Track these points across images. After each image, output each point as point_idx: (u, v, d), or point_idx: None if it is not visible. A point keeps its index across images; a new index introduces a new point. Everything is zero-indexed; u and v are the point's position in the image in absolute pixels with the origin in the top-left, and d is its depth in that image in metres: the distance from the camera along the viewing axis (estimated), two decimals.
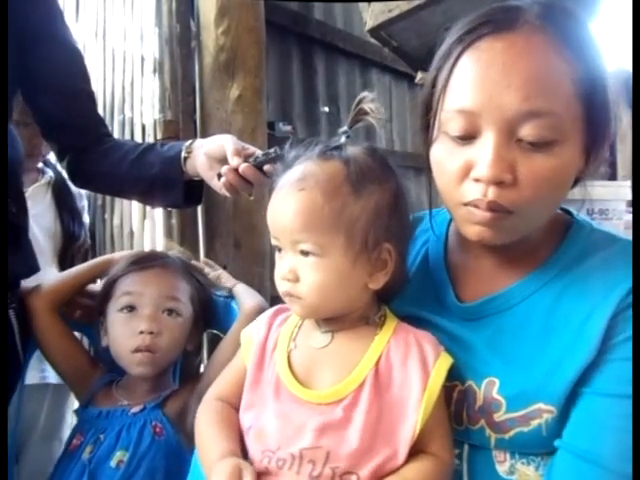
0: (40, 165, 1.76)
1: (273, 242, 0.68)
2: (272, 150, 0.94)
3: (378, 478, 0.61)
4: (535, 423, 0.62)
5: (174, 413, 0.98)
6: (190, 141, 1.10)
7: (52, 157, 1.73)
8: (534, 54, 0.58)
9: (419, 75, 2.02)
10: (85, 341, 1.19)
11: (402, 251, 0.69)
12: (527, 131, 0.58)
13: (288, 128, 2.39)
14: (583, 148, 0.62)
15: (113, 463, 0.91)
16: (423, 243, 0.79)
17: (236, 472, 0.59)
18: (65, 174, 1.43)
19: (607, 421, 0.60)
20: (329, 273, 0.64)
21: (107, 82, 1.95)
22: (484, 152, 0.59)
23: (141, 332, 0.96)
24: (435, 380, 0.63)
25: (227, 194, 1.01)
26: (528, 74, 0.58)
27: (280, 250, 0.67)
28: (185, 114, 1.60)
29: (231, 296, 1.11)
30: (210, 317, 1.09)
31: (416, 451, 0.63)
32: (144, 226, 1.76)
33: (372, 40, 2.03)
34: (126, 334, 0.97)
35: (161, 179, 1.10)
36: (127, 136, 1.80)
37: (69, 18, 1.69)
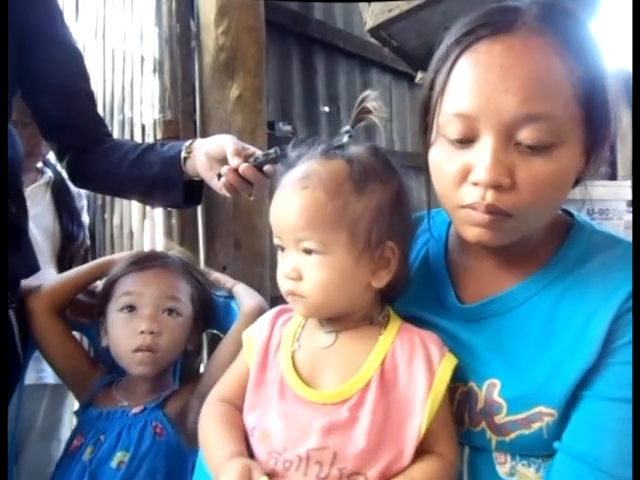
0: (39, 165, 1.75)
1: (276, 241, 0.68)
2: (272, 150, 0.94)
3: (385, 479, 0.61)
4: (536, 426, 0.62)
5: (174, 413, 0.98)
6: (190, 141, 1.10)
7: (51, 157, 1.73)
8: (532, 57, 0.58)
9: (419, 75, 2.02)
10: (85, 341, 1.19)
11: (405, 250, 0.69)
12: (525, 135, 0.58)
13: (288, 128, 2.39)
14: (583, 149, 0.62)
15: (114, 464, 0.91)
16: (423, 243, 0.79)
17: (246, 472, 0.59)
18: (65, 174, 1.43)
19: (607, 424, 0.59)
20: (333, 271, 0.64)
21: (107, 82, 1.95)
22: (482, 156, 0.59)
23: (142, 332, 0.96)
24: (440, 380, 0.63)
25: (227, 194, 1.01)
26: (526, 77, 0.57)
27: (283, 249, 0.67)
28: (185, 114, 1.60)
29: (231, 296, 1.10)
30: (210, 317, 1.09)
31: (421, 451, 0.63)
32: (144, 226, 1.76)
33: (372, 40, 2.02)
34: (126, 334, 0.97)
35: (161, 179, 1.10)
36: (127, 136, 1.80)
37: (69, 18, 1.69)
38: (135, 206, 1.79)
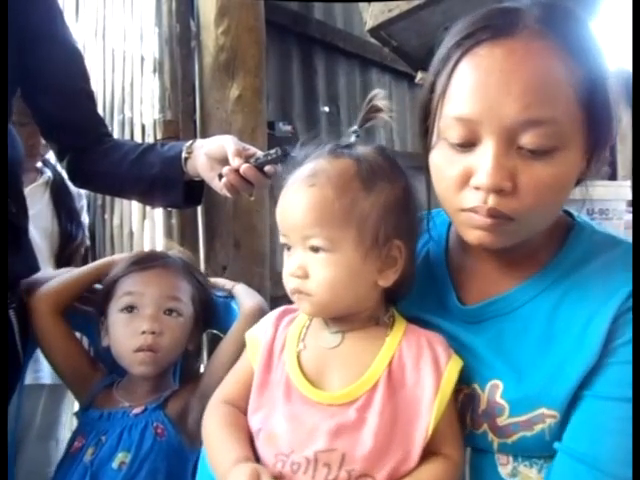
0: (39, 165, 1.76)
1: (282, 240, 0.68)
2: (273, 151, 0.94)
3: None
4: (538, 428, 0.62)
5: (175, 413, 0.98)
6: (191, 141, 1.10)
7: (50, 157, 1.74)
8: (534, 61, 0.58)
9: (419, 75, 2.02)
10: (85, 341, 1.19)
11: (411, 249, 0.69)
12: (527, 139, 0.58)
13: (288, 128, 2.39)
14: (584, 151, 0.62)
15: (115, 465, 0.91)
16: (423, 244, 0.79)
17: (254, 477, 0.58)
18: (64, 174, 1.43)
19: (607, 424, 0.59)
20: (340, 269, 0.63)
21: (107, 82, 1.95)
22: (484, 160, 0.59)
23: (143, 332, 0.96)
24: (447, 382, 0.63)
25: (228, 195, 1.01)
26: (528, 82, 0.57)
27: (289, 248, 0.67)
28: (185, 114, 1.60)
29: (231, 296, 1.10)
30: (210, 317, 1.09)
31: (427, 452, 0.63)
32: (144, 226, 1.76)
33: (372, 40, 2.03)
34: (128, 334, 0.97)
35: (161, 179, 1.10)
36: (127, 136, 1.80)
37: (69, 18, 1.69)
38: (135, 206, 1.79)
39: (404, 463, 0.62)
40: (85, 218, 1.90)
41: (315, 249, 0.64)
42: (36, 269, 1.03)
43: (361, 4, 1.92)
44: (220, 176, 0.99)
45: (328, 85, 2.77)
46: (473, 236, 0.63)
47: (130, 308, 0.99)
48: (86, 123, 1.14)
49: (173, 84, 1.59)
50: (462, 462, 0.65)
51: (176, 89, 1.60)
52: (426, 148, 0.67)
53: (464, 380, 0.66)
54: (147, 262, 1.04)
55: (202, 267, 1.49)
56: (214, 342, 1.15)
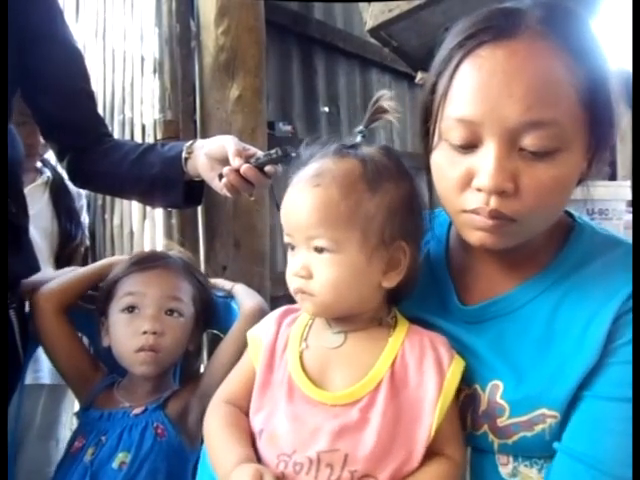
0: (38, 165, 1.76)
1: (286, 239, 0.67)
2: (273, 151, 0.94)
3: None
4: (539, 428, 0.62)
5: (175, 414, 0.98)
6: (191, 142, 1.10)
7: (50, 157, 1.73)
8: (536, 62, 0.58)
9: (419, 75, 2.02)
10: (84, 341, 1.19)
11: (416, 250, 0.68)
12: (529, 141, 0.58)
13: (288, 128, 2.39)
14: (586, 152, 0.62)
15: (115, 465, 0.91)
16: (424, 243, 0.79)
17: (257, 478, 0.58)
18: (64, 174, 1.43)
19: (607, 424, 0.60)
20: (344, 269, 0.63)
21: (107, 82, 1.95)
22: (486, 162, 0.59)
23: (144, 332, 0.96)
24: (450, 382, 0.63)
25: (228, 195, 1.01)
26: (530, 83, 0.57)
27: (293, 248, 0.67)
28: (185, 114, 1.60)
29: (231, 296, 1.10)
30: (210, 317, 1.09)
31: (429, 453, 0.63)
32: (144, 226, 1.76)
33: (372, 40, 2.03)
34: (129, 334, 0.97)
35: (161, 179, 1.10)
36: (127, 136, 1.80)
37: (69, 18, 1.69)
38: (135, 206, 1.79)
39: (407, 464, 0.62)
40: (85, 218, 1.90)
41: (319, 249, 0.64)
42: (36, 269, 1.03)
43: (361, 4, 1.92)
44: (220, 176, 0.99)
45: (328, 85, 2.77)
46: (475, 237, 0.63)
47: (131, 308, 0.99)
48: (86, 123, 1.14)
49: (173, 84, 1.59)
50: (464, 463, 0.66)
51: (176, 89, 1.60)
52: (427, 149, 0.67)
53: (465, 381, 0.66)
54: (148, 262, 1.04)
55: (202, 267, 1.49)
56: (214, 342, 1.15)
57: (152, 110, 1.65)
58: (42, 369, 1.51)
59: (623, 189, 1.82)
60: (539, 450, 0.63)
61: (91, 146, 1.13)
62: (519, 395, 0.63)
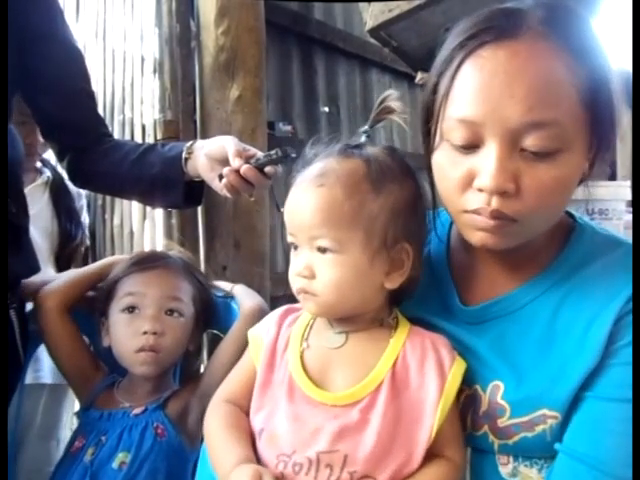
0: (38, 165, 1.76)
1: (289, 239, 0.67)
2: (273, 152, 0.94)
3: None
4: (539, 429, 0.62)
5: (175, 414, 0.98)
6: (191, 142, 1.10)
7: (50, 157, 1.74)
8: (538, 63, 0.57)
9: (419, 75, 2.02)
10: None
11: (419, 252, 0.68)
12: (531, 142, 0.58)
13: (288, 128, 2.39)
14: (587, 152, 0.62)
15: (115, 465, 0.91)
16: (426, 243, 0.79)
17: (257, 478, 0.58)
18: (64, 174, 1.43)
19: (608, 425, 0.60)
20: (346, 270, 0.63)
21: (107, 82, 1.95)
22: (487, 162, 0.59)
23: (144, 332, 0.96)
24: (452, 384, 0.63)
25: (228, 195, 1.01)
26: (532, 84, 0.57)
27: (296, 247, 0.67)
28: (185, 114, 1.60)
29: (231, 296, 1.10)
30: (210, 317, 1.09)
31: (429, 454, 0.63)
32: (144, 226, 1.76)
33: (372, 40, 2.03)
34: (129, 334, 0.97)
35: (161, 179, 1.10)
36: (127, 136, 1.80)
37: (69, 18, 1.69)
38: (135, 206, 1.80)
39: (406, 465, 0.62)
40: (85, 218, 1.90)
41: (322, 250, 0.64)
42: (37, 269, 1.03)
43: (361, 4, 1.92)
44: (220, 177, 0.98)
45: (328, 85, 2.77)
46: (476, 237, 0.63)
47: (131, 308, 0.99)
48: (86, 123, 1.14)
49: (173, 84, 1.59)
50: (464, 465, 0.65)
51: (176, 89, 1.60)
52: (429, 149, 0.67)
53: (466, 381, 0.66)
54: (148, 262, 1.04)
55: (202, 267, 1.49)
56: (214, 342, 1.15)
57: (152, 110, 1.65)
58: (43, 369, 1.51)
59: (623, 189, 1.82)
60: (539, 450, 0.63)
61: (91, 146, 1.13)
62: (520, 395, 0.63)
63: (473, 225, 0.62)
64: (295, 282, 0.66)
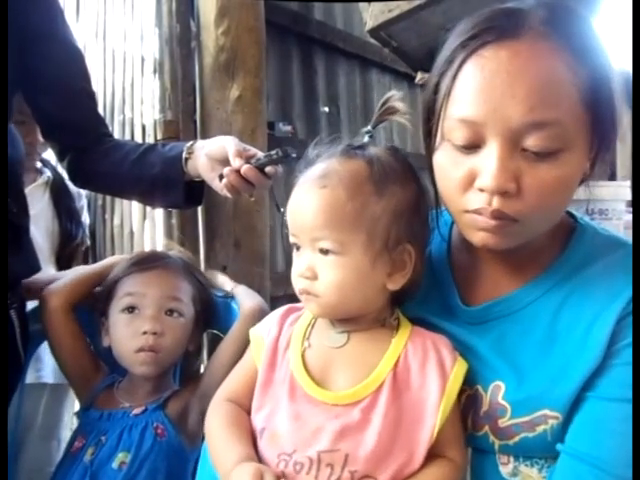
0: (38, 165, 1.76)
1: (291, 240, 0.67)
2: (274, 152, 0.94)
3: None
4: (540, 429, 0.62)
5: (175, 414, 0.98)
6: (191, 142, 1.10)
7: (50, 157, 1.74)
8: (539, 63, 0.58)
9: (419, 75, 2.02)
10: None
11: (421, 253, 0.68)
12: (532, 142, 0.58)
13: (288, 128, 2.39)
14: (588, 152, 0.62)
15: (115, 465, 0.91)
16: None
17: (258, 477, 0.58)
18: (65, 174, 1.43)
19: (610, 425, 0.60)
20: (348, 271, 0.63)
21: (107, 82, 1.95)
22: (488, 162, 0.59)
23: (144, 332, 0.96)
24: (453, 384, 0.63)
25: (228, 195, 1.01)
26: (533, 84, 0.57)
27: (298, 248, 0.67)
28: (185, 114, 1.60)
29: (231, 296, 1.11)
30: (210, 317, 1.09)
31: (430, 455, 0.63)
32: (144, 226, 1.76)
33: (372, 40, 2.02)
34: (129, 334, 0.97)
35: (162, 179, 1.10)
36: (127, 136, 1.80)
37: (69, 19, 1.69)
38: (135, 206, 1.80)
39: (408, 465, 0.62)
40: (85, 218, 1.90)
41: (324, 251, 0.64)
42: (37, 269, 1.03)
43: (361, 4, 1.92)
44: (221, 177, 0.99)
45: (328, 85, 2.76)
46: (477, 238, 0.63)
47: (131, 309, 0.99)
48: (87, 123, 1.14)
49: (173, 84, 1.59)
50: (465, 465, 0.66)
51: (176, 89, 1.60)
52: (430, 149, 0.67)
53: (467, 381, 0.66)
54: (148, 263, 1.04)
55: (202, 267, 1.49)
56: (214, 342, 1.15)
57: (152, 110, 1.65)
58: (44, 368, 1.51)
59: (623, 189, 1.82)
60: (540, 451, 0.63)
61: (91, 146, 1.13)
62: (521, 396, 0.63)
63: (474, 225, 0.62)
64: (297, 283, 0.66)
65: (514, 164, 0.59)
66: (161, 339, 0.97)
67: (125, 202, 1.86)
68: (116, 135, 1.75)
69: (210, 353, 1.20)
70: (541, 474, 0.64)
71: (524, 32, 0.59)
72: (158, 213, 1.65)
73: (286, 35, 2.51)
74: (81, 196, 1.87)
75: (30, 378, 1.43)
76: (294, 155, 0.91)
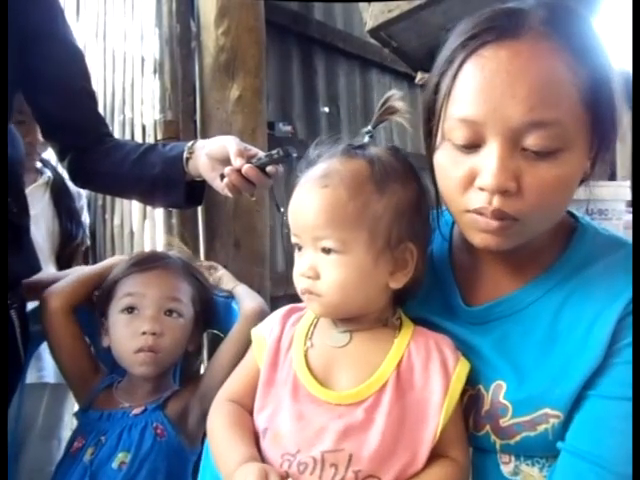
0: (39, 165, 1.76)
1: (293, 240, 0.67)
2: (275, 151, 0.94)
3: None
4: (542, 428, 0.62)
5: (175, 414, 0.98)
6: (192, 142, 1.10)
7: (50, 157, 1.74)
8: (539, 63, 0.58)
9: (419, 75, 2.02)
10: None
11: (423, 252, 0.68)
12: (532, 141, 0.58)
13: (288, 128, 2.39)
14: (588, 151, 0.62)
15: (115, 465, 0.91)
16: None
17: (262, 476, 0.58)
18: (65, 174, 1.43)
19: (611, 423, 0.60)
20: (351, 270, 0.63)
21: (107, 83, 1.95)
22: (489, 161, 0.59)
23: (143, 333, 0.96)
24: (456, 384, 0.63)
25: (229, 194, 1.01)
26: (533, 84, 0.57)
27: (300, 248, 0.67)
28: (185, 114, 1.60)
29: (231, 296, 1.10)
30: (211, 317, 1.09)
31: (433, 455, 0.63)
32: (144, 226, 1.76)
33: (372, 40, 2.02)
34: (128, 335, 0.97)
35: (162, 179, 1.10)
36: (127, 136, 1.80)
37: (69, 18, 1.69)
38: (135, 206, 1.80)
39: (411, 465, 0.62)
40: (85, 218, 1.90)
41: (326, 250, 0.64)
42: (38, 269, 1.02)
43: (361, 4, 1.92)
44: (222, 176, 0.99)
45: (328, 85, 2.76)
46: (478, 239, 0.63)
47: (130, 309, 0.99)
48: (87, 123, 1.14)
49: (173, 84, 1.59)
50: (468, 465, 0.66)
51: (176, 89, 1.60)
52: (430, 149, 0.67)
53: (469, 381, 0.66)
54: (147, 263, 1.04)
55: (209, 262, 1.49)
56: (214, 342, 1.15)
57: (152, 110, 1.65)
58: (46, 368, 1.51)
59: (623, 189, 1.82)
60: (542, 450, 0.63)
61: (92, 146, 1.13)
62: (522, 395, 0.63)
63: (475, 227, 0.62)
64: (299, 283, 0.66)
65: (514, 163, 0.59)
66: (160, 339, 0.97)
67: (125, 202, 1.86)
68: (116, 135, 1.74)
69: (210, 353, 1.20)
70: (542, 473, 0.64)
71: (524, 32, 0.59)
72: (158, 213, 1.65)
73: (286, 35, 2.51)
74: (81, 196, 1.88)
75: (31, 378, 1.42)
76: (295, 155, 0.91)
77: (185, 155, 1.07)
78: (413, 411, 0.63)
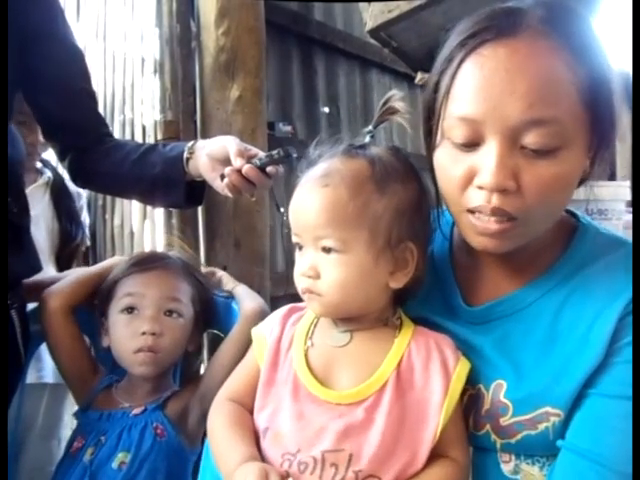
0: (39, 165, 1.76)
1: (294, 239, 0.68)
2: (275, 152, 0.94)
3: None
4: (542, 427, 0.62)
5: (175, 414, 0.98)
6: (192, 142, 1.10)
7: (50, 157, 1.74)
8: (538, 61, 0.58)
9: (419, 75, 2.03)
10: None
11: (423, 251, 0.69)
12: (531, 139, 0.58)
13: (288, 128, 2.39)
14: (588, 150, 0.62)
15: (115, 465, 0.91)
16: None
17: (263, 476, 0.58)
18: (65, 174, 1.43)
19: (611, 421, 0.60)
20: (351, 270, 0.63)
21: (107, 83, 1.95)
22: (488, 159, 0.59)
23: (143, 333, 0.96)
24: (456, 384, 0.64)
25: (229, 195, 1.01)
26: (532, 82, 0.57)
27: (300, 247, 0.67)
28: (185, 115, 1.60)
29: (231, 296, 1.10)
30: (211, 317, 1.09)
31: (433, 455, 0.63)
32: (144, 226, 1.76)
33: (372, 41, 2.02)
34: (128, 335, 0.97)
35: (163, 179, 1.10)
36: (127, 137, 1.80)
37: (69, 18, 1.69)
38: (135, 206, 1.80)
39: (411, 465, 0.62)
40: (85, 218, 1.90)
41: (327, 250, 0.64)
42: (38, 269, 1.03)
43: (361, 4, 1.92)
44: (222, 176, 0.99)
45: (328, 86, 2.76)
46: (477, 241, 0.64)
47: (130, 309, 0.99)
48: (87, 123, 1.14)
49: (173, 85, 1.59)
50: (468, 465, 0.66)
51: (176, 90, 1.60)
52: (430, 148, 0.67)
53: (469, 381, 0.66)
54: (147, 263, 1.04)
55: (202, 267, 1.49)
56: (214, 342, 1.15)
57: (152, 111, 1.65)
58: (45, 368, 1.51)
59: (622, 189, 1.82)
60: (542, 449, 0.63)
61: (92, 146, 1.13)
62: (522, 393, 0.63)
63: (474, 229, 0.63)
64: (300, 282, 0.66)
65: (513, 161, 0.59)
66: (160, 339, 0.97)
67: (125, 202, 1.86)
68: (116, 135, 1.74)
69: (210, 353, 1.20)
70: (542, 472, 0.64)
71: (522, 30, 0.59)
72: (158, 213, 1.65)
73: (286, 35, 2.51)
74: (81, 196, 1.88)
75: (31, 378, 1.42)
76: (295, 155, 0.91)
77: (185, 155, 1.08)
78: (413, 411, 0.63)
